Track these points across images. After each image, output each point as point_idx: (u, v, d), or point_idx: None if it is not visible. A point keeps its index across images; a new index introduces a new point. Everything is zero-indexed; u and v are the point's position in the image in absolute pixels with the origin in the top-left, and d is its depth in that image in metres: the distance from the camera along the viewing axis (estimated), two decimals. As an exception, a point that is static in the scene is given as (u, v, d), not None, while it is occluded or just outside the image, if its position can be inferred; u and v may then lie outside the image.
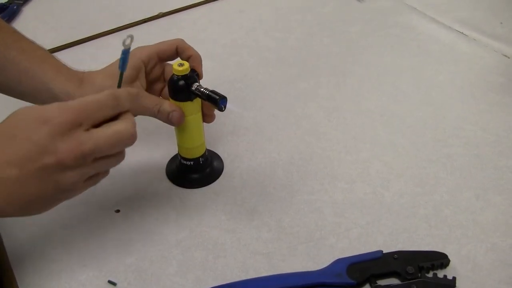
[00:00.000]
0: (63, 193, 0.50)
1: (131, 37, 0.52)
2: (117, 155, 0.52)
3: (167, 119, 0.62)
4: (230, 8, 1.11)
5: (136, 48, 0.67)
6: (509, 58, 0.94)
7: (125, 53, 0.54)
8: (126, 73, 0.60)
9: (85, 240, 0.61)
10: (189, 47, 0.68)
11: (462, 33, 1.02)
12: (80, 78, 0.66)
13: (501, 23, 1.05)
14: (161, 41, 0.68)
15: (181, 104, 0.62)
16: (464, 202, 0.66)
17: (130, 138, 0.51)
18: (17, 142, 0.47)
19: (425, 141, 0.75)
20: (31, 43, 0.67)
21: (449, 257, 0.57)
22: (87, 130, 0.48)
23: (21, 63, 0.64)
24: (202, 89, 0.61)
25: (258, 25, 1.05)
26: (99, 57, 0.93)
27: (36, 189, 0.48)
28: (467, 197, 0.67)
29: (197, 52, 0.68)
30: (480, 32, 1.01)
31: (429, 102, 0.84)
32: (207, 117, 0.69)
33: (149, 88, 0.69)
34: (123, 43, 0.52)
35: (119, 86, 0.55)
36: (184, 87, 0.61)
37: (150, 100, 0.61)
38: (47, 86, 0.64)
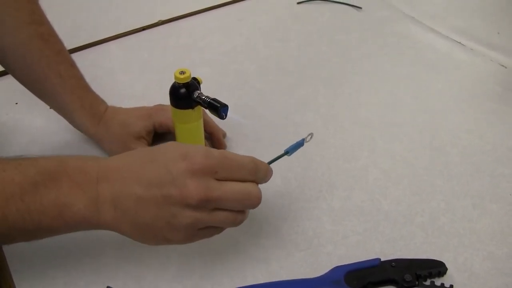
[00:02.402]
0: (173, 231, 0.50)
1: (311, 135, 0.58)
2: (238, 215, 0.52)
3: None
4: (229, 16, 1.12)
5: (159, 107, 0.73)
6: (506, 67, 0.95)
7: (300, 144, 0.58)
8: (136, 130, 0.70)
9: (84, 246, 0.61)
10: (212, 123, 0.74)
11: (459, 42, 1.02)
12: (100, 117, 0.71)
13: (498, 33, 1.06)
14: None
15: (182, 111, 0.63)
16: (461, 210, 0.66)
17: (256, 201, 0.52)
18: (154, 166, 0.50)
19: (422, 149, 0.76)
20: (70, 67, 0.71)
21: (446, 265, 0.58)
22: (219, 180, 0.50)
23: (55, 87, 0.68)
24: (203, 97, 0.61)
25: (257, 33, 1.06)
26: (100, 64, 0.94)
27: (151, 215, 0.49)
28: (464, 205, 0.67)
29: (219, 128, 0.75)
30: (477, 42, 1.02)
31: (426, 110, 0.84)
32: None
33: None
34: (305, 139, 0.58)
35: (272, 161, 0.57)
36: (186, 95, 0.61)
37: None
38: (71, 115, 0.71)
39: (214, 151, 0.50)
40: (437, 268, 0.57)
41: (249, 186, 0.51)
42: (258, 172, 0.53)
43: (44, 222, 0.48)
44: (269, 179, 0.55)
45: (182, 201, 0.48)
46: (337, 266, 0.58)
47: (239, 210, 0.52)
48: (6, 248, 0.60)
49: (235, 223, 0.53)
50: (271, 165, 0.56)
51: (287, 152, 0.58)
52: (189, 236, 0.51)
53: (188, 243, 0.53)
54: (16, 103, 0.83)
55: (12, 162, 0.49)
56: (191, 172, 0.48)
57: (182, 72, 0.61)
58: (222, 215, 0.51)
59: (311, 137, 0.58)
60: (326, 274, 0.58)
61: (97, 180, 0.50)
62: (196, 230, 0.51)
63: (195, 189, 0.48)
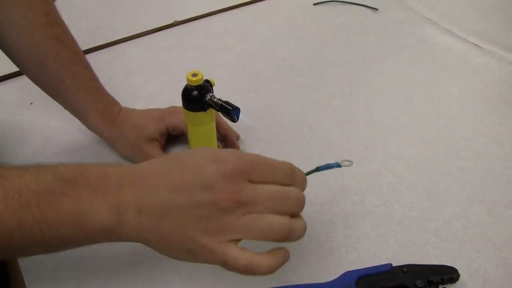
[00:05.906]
0: (197, 239, 0.45)
1: (351, 162, 0.55)
2: (280, 219, 0.46)
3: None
4: (245, 18, 1.12)
5: (172, 110, 0.73)
6: (524, 70, 0.94)
7: (335, 166, 0.55)
8: (149, 133, 0.70)
9: (96, 248, 0.61)
10: (226, 125, 0.74)
11: (476, 45, 1.01)
12: (113, 119, 0.71)
13: (517, 35, 1.04)
14: None
15: (194, 114, 0.63)
16: (475, 216, 0.65)
17: (296, 203, 0.48)
18: (180, 169, 0.46)
19: (437, 154, 0.75)
20: (85, 69, 0.71)
21: (459, 271, 0.57)
22: (253, 183, 0.46)
23: (69, 88, 0.69)
24: (215, 100, 0.61)
25: (272, 35, 1.05)
26: (115, 64, 0.95)
27: (176, 220, 0.45)
28: (478, 211, 0.66)
29: (232, 130, 0.74)
30: (495, 44, 1.01)
31: (442, 114, 0.83)
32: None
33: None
34: (342, 162, 0.55)
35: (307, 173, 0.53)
36: (198, 97, 0.62)
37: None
38: (85, 117, 0.71)
39: (246, 153, 0.47)
40: (449, 274, 0.57)
41: (288, 188, 0.47)
42: (296, 175, 0.49)
43: (63, 232, 0.45)
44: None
45: (211, 204, 0.44)
46: (348, 271, 0.58)
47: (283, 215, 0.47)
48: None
49: (279, 231, 0.46)
50: None
51: (318, 169, 0.55)
52: (213, 250, 0.45)
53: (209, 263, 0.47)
54: (31, 104, 0.84)
55: (29, 169, 0.46)
56: (222, 174, 0.44)
57: (194, 75, 0.61)
58: (254, 218, 0.45)
59: (350, 164, 0.55)
60: (337, 278, 0.57)
61: (119, 186, 0.46)
62: (224, 242, 0.45)
63: (226, 191, 0.44)
